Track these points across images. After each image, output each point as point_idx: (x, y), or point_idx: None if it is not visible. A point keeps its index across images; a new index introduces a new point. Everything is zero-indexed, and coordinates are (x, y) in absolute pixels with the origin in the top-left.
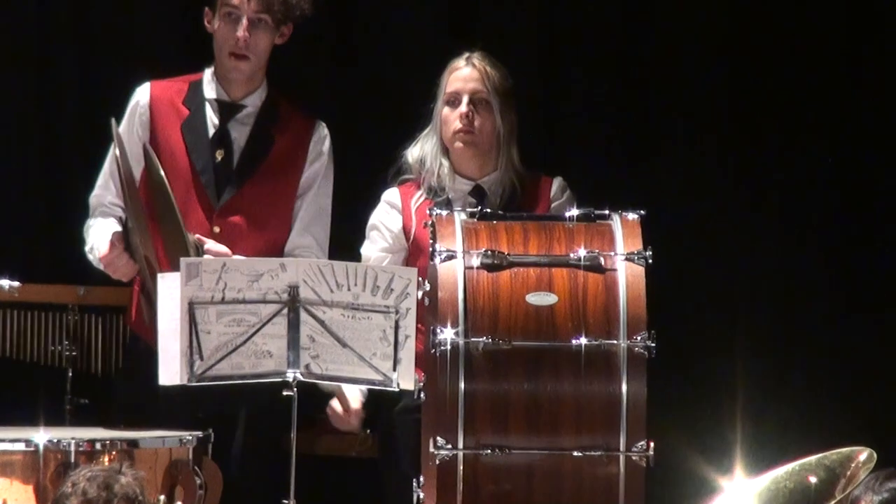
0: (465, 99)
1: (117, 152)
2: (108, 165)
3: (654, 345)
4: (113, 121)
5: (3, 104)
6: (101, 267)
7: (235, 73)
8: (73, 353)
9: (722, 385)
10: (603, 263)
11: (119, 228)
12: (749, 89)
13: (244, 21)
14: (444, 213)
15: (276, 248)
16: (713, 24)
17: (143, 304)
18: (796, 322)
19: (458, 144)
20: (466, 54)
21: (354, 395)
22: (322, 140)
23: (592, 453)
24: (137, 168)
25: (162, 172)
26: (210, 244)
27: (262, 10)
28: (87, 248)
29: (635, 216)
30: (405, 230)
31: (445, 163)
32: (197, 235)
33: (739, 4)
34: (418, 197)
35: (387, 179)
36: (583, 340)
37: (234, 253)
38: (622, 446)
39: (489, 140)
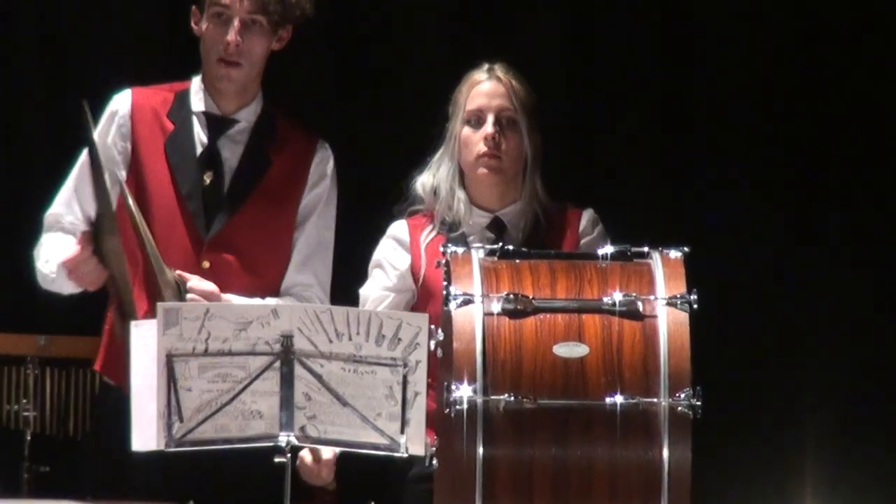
0: (491, 118)
1: (94, 135)
2: (73, 180)
3: (699, 403)
4: (85, 104)
5: None
6: (59, 283)
7: (225, 82)
8: (33, 414)
9: (783, 448)
10: (641, 309)
11: (85, 228)
12: (800, 115)
13: (236, 23)
14: (460, 250)
15: (272, 287)
16: (760, 46)
17: (115, 321)
18: (870, 374)
19: (482, 170)
20: (487, 66)
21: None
22: (325, 161)
23: None
24: (115, 184)
25: (131, 201)
26: (194, 281)
27: (256, 10)
28: (40, 263)
29: (678, 254)
30: (413, 270)
31: (461, 193)
32: (178, 272)
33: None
34: (429, 231)
35: (393, 212)
36: (618, 399)
37: (224, 292)
38: None
39: (515, 165)
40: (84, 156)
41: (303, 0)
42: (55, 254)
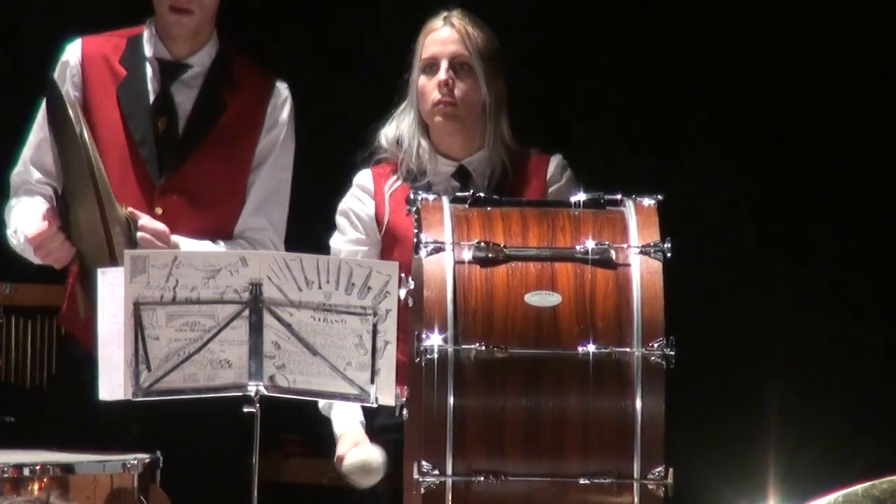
0: (444, 64)
1: (71, 114)
2: (34, 136)
3: (673, 353)
4: (54, 77)
5: None
6: (28, 253)
7: (177, 28)
8: None
9: (753, 400)
10: (614, 257)
11: (51, 204)
12: (783, 60)
13: None
14: (431, 197)
15: (225, 231)
16: None
17: (78, 296)
18: (841, 324)
19: (438, 118)
20: (444, 13)
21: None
22: (282, 103)
23: (602, 481)
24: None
25: (86, 134)
26: (145, 220)
27: None
28: (9, 232)
29: (651, 202)
30: (377, 218)
31: (424, 142)
32: (129, 209)
33: None
34: (394, 181)
35: (357, 161)
36: (590, 348)
37: (176, 234)
38: (636, 473)
39: (473, 112)
40: (42, 111)
41: None
42: (23, 225)
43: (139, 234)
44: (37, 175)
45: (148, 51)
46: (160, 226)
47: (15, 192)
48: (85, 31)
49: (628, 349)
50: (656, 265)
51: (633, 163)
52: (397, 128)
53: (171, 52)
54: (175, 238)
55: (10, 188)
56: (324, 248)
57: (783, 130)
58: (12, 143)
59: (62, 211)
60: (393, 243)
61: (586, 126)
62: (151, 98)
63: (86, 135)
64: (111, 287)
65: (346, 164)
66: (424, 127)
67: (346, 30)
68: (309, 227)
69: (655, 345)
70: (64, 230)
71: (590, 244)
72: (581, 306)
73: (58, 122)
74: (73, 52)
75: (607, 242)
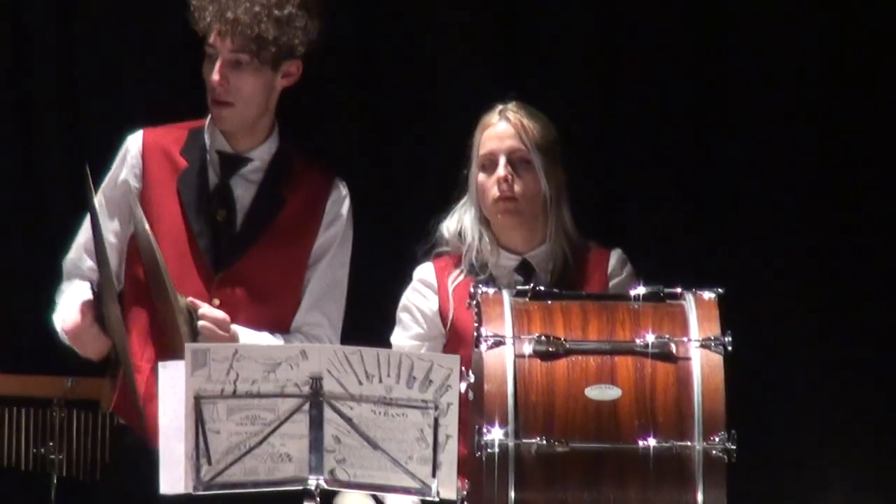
0: (502, 160)
1: (94, 201)
2: (87, 225)
3: (734, 447)
4: (87, 169)
5: None
6: (68, 341)
7: (220, 122)
8: (59, 457)
9: (815, 495)
10: (674, 351)
11: (90, 296)
12: (840, 146)
13: (217, 63)
14: (491, 291)
15: (282, 324)
16: (801, 76)
17: (104, 386)
18: None
19: (499, 215)
20: (499, 107)
21: None
22: (340, 201)
23: None
24: (126, 224)
25: (147, 227)
26: (205, 308)
27: (238, 48)
28: (55, 319)
29: (712, 295)
30: (441, 314)
31: (487, 236)
32: (190, 298)
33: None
34: (457, 275)
35: (417, 254)
36: (651, 442)
37: (234, 324)
38: None
39: (534, 206)
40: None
41: (294, 36)
42: (65, 314)
43: (200, 322)
44: (88, 263)
45: (209, 143)
46: (220, 314)
47: (67, 278)
48: (149, 124)
49: (689, 443)
50: (717, 359)
51: (691, 255)
52: (459, 221)
53: (231, 146)
54: (234, 328)
55: (62, 273)
56: (380, 341)
57: (846, 219)
58: (71, 231)
59: (98, 303)
60: (458, 340)
61: (641, 218)
62: (211, 190)
63: (147, 227)
64: (172, 381)
65: (403, 257)
66: (486, 221)
67: (402, 120)
68: (366, 320)
69: (717, 438)
70: (99, 322)
71: (650, 338)
72: (641, 400)
73: (98, 245)
74: (134, 142)
75: (667, 336)
